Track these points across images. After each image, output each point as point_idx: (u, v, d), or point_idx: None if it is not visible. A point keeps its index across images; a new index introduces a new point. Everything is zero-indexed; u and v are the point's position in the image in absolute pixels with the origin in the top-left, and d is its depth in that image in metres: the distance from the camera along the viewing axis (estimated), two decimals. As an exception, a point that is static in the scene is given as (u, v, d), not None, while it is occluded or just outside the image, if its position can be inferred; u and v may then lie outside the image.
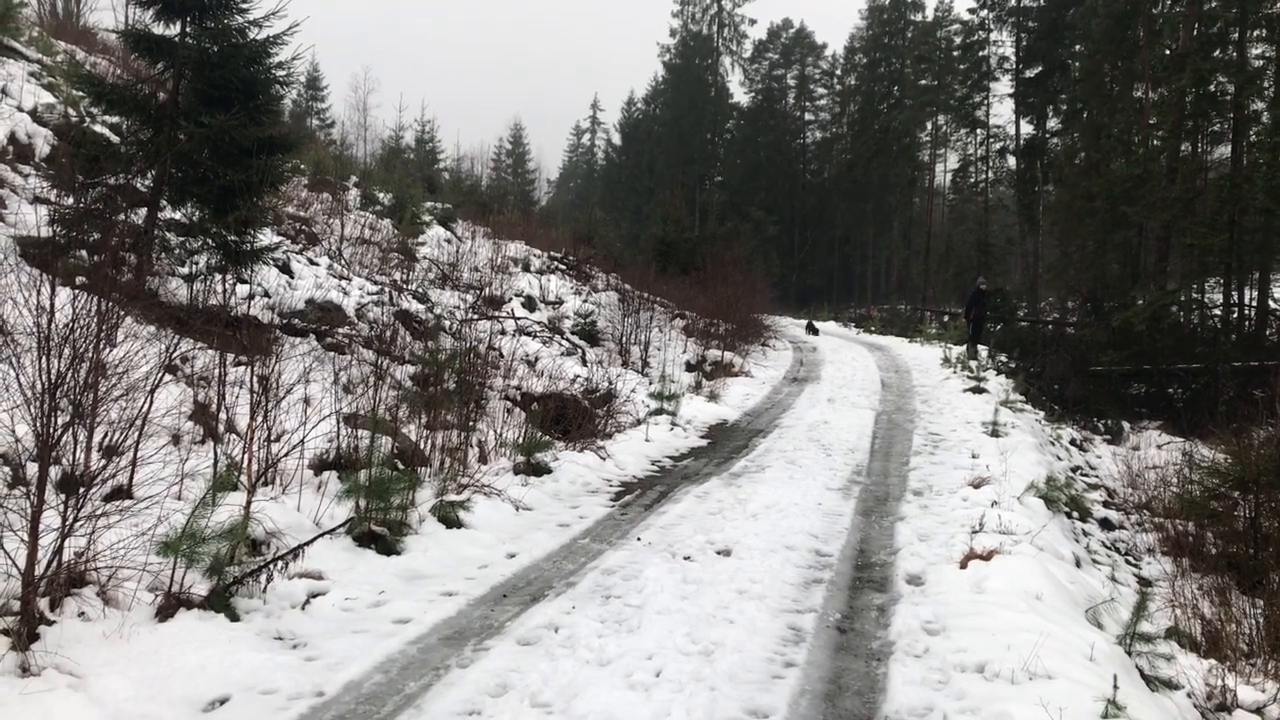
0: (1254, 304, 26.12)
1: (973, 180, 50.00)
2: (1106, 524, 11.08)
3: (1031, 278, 42.57)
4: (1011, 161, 46.43)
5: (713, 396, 17.30)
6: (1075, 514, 10.60)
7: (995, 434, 13.16)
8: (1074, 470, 13.50)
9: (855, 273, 67.62)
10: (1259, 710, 5.64)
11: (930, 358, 24.90)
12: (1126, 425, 17.75)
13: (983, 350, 24.07)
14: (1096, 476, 13.68)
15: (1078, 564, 8.25)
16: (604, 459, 11.58)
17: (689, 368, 20.53)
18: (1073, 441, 15.64)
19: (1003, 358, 24.52)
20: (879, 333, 36.56)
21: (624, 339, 20.07)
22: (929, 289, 48.51)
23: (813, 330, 34.56)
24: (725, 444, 13.58)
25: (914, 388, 19.61)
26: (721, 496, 10.03)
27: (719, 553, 7.89)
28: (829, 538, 8.55)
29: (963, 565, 7.32)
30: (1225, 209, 20.80)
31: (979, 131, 48.90)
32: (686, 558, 7.69)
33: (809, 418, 15.73)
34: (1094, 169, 29.67)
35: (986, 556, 7.29)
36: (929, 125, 52.17)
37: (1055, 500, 10.00)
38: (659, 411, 14.79)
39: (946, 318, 39.21)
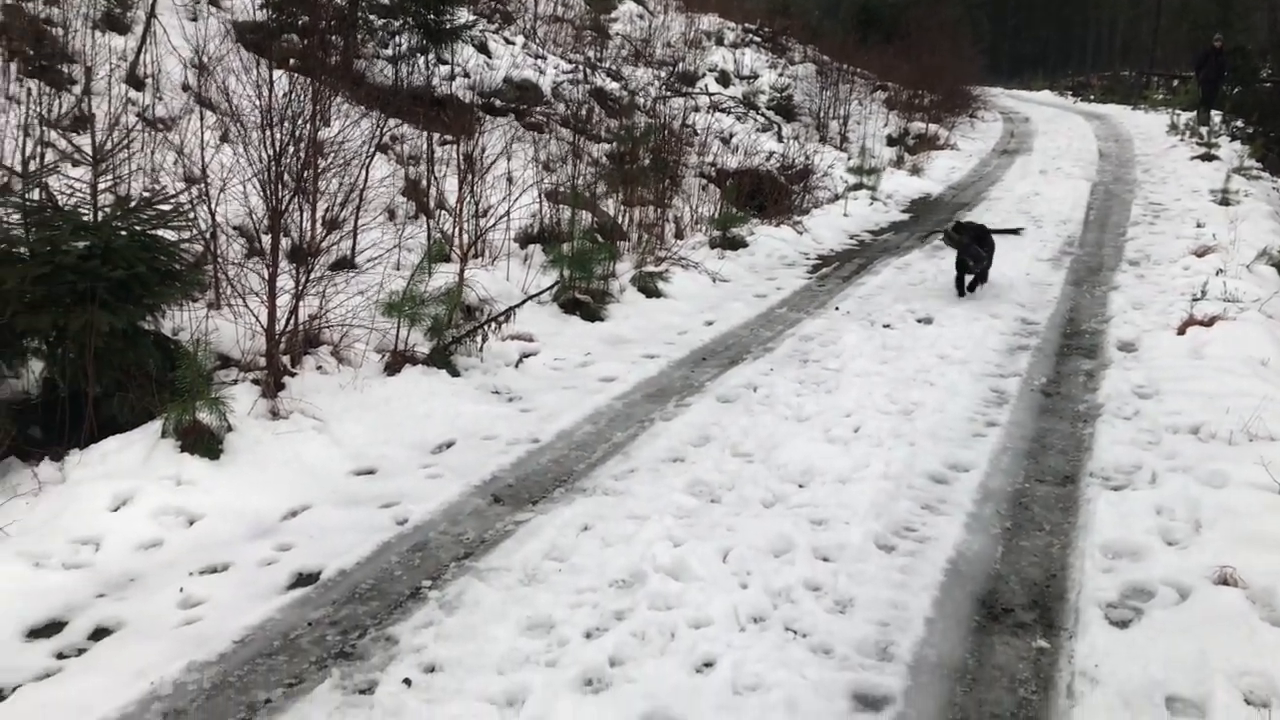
0: None
1: (1219, -78, 44.26)
2: (1350, 296, 10.21)
3: (1279, 33, 38.05)
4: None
5: (915, 170, 16.66)
6: (1315, 284, 9.81)
7: (1225, 202, 12.18)
8: (1317, 240, 12.41)
9: (1075, 36, 62.15)
10: None
11: (1155, 125, 22.98)
12: (1384, 192, 16.01)
13: (1215, 115, 21.90)
14: (1343, 247, 12.53)
15: (1313, 334, 7.70)
16: (800, 234, 11.45)
17: (890, 142, 19.71)
18: (1318, 211, 14.30)
19: (1239, 123, 22.27)
20: (1099, 101, 33.80)
21: (821, 113, 19.36)
22: (1157, 50, 44.09)
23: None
24: (928, 218, 13.14)
25: (1135, 157, 18.25)
26: (923, 268, 9.82)
27: (920, 321, 7.79)
28: (1037, 307, 8.29)
29: (1180, 331, 6.95)
30: None
31: None
32: (886, 325, 7.64)
33: (1018, 190, 14.97)
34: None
35: (1208, 323, 6.90)
36: None
37: (1292, 269, 9.27)
38: (858, 186, 14.39)
39: (1176, 82, 35.70)
